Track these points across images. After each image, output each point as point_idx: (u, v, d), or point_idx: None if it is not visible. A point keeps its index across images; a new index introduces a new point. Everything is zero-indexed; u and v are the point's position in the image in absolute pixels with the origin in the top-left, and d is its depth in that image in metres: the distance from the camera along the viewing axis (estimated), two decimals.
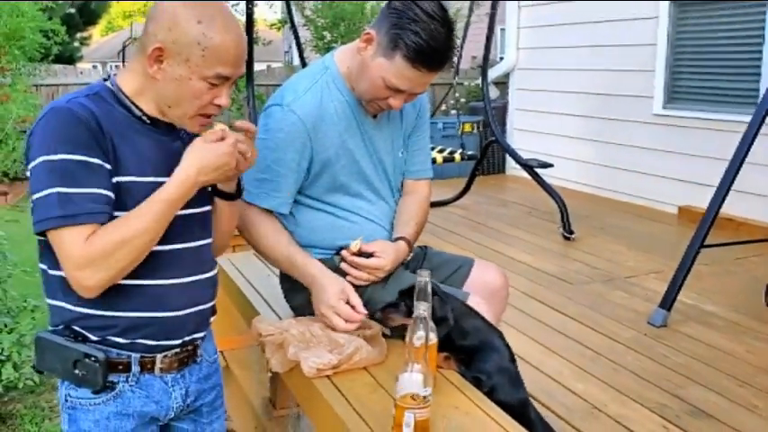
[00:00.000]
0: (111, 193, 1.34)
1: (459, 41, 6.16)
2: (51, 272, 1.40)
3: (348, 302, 1.80)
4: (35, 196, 1.32)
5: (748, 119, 3.43)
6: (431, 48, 1.71)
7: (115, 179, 1.35)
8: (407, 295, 1.74)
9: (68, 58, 14.91)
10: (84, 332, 1.40)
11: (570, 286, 3.94)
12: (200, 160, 1.38)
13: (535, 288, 3.90)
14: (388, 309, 1.80)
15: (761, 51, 4.85)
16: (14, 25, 7.80)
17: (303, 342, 1.71)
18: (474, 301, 1.95)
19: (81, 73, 10.75)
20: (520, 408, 1.75)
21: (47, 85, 9.91)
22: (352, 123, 1.93)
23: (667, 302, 3.36)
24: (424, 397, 1.38)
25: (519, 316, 3.47)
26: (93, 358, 1.37)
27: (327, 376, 1.70)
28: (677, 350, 3.08)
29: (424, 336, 1.43)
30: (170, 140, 1.46)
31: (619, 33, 6.01)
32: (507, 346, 1.82)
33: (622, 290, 3.86)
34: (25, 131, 8.21)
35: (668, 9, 5.52)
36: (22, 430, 3.01)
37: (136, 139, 1.40)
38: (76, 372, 1.38)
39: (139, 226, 1.33)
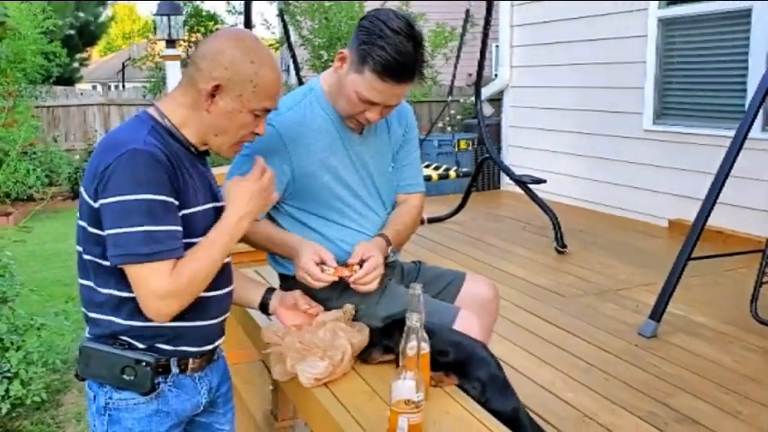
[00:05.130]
0: (181, 228, 1.50)
1: (453, 59, 6.30)
2: (101, 289, 1.52)
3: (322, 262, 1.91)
4: (118, 230, 1.42)
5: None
6: (397, 61, 1.82)
7: (182, 212, 1.50)
8: (384, 334, 1.86)
9: (68, 80, 15.06)
10: (131, 341, 1.53)
11: (563, 299, 4.03)
12: (245, 196, 1.58)
13: (529, 301, 3.99)
14: (368, 350, 1.90)
15: (746, 68, 4.97)
16: (16, 48, 7.92)
17: (298, 353, 1.80)
18: (465, 315, 2.04)
19: (81, 94, 10.84)
20: (512, 414, 1.83)
21: (47, 107, 10.03)
22: (336, 140, 2.03)
23: (657, 314, 3.46)
24: (417, 402, 1.47)
25: (513, 328, 3.56)
26: (144, 363, 1.52)
27: (326, 384, 1.79)
28: (666, 360, 3.17)
29: (416, 345, 1.53)
30: (204, 168, 1.63)
31: (609, 51, 6.15)
32: (492, 355, 1.90)
33: (614, 302, 3.95)
34: (26, 152, 8.34)
35: (657, 27, 5.66)
36: None
37: (191, 171, 1.55)
38: (124, 376, 1.52)
39: (210, 258, 1.51)
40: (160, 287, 1.44)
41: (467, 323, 2.02)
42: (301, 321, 1.90)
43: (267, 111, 1.60)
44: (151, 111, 1.58)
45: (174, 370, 1.58)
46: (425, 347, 1.65)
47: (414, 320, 1.54)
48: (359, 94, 1.89)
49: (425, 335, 1.65)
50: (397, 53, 1.81)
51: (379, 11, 1.89)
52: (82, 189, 1.51)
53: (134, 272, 1.45)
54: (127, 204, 1.42)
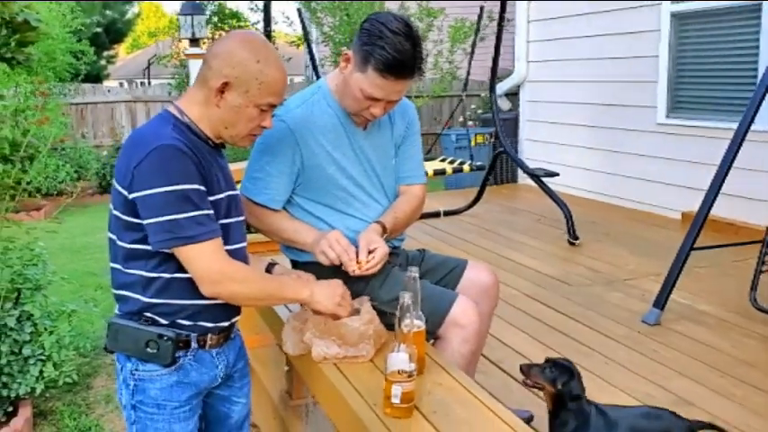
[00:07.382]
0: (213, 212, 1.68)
1: (468, 56, 6.36)
2: (130, 271, 1.69)
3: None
4: (161, 218, 1.59)
5: None
6: (396, 59, 1.98)
7: (208, 199, 1.67)
8: (552, 363, 2.01)
9: (95, 77, 15.36)
10: (155, 317, 1.70)
11: (571, 288, 4.15)
12: (320, 295, 1.88)
13: (537, 290, 4.11)
14: (533, 368, 2.03)
15: (757, 61, 5.03)
16: (46, 48, 8.19)
17: (320, 331, 1.95)
18: (462, 300, 2.18)
19: (108, 91, 11.11)
20: None
21: (76, 104, 10.31)
22: (342, 134, 2.20)
23: (660, 302, 3.56)
24: (409, 372, 1.63)
25: (520, 316, 3.69)
26: (165, 338, 1.68)
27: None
28: (667, 346, 3.28)
29: (410, 323, 1.68)
30: (221, 159, 1.80)
31: (623, 46, 6.23)
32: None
33: (621, 291, 4.06)
34: (56, 149, 8.59)
35: (669, 22, 5.74)
36: (61, 425, 3.27)
37: (211, 162, 1.71)
38: (148, 350, 1.69)
39: (262, 290, 1.80)
40: (214, 264, 1.63)
41: (464, 308, 2.16)
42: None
43: (272, 106, 1.75)
44: (171, 108, 1.74)
45: (194, 345, 1.73)
46: (420, 325, 1.80)
47: (406, 298, 1.69)
48: (363, 91, 2.05)
49: (420, 313, 1.80)
50: (396, 52, 1.97)
51: (379, 14, 2.05)
52: (115, 182, 1.68)
53: (185, 253, 1.62)
54: (165, 195, 1.58)
